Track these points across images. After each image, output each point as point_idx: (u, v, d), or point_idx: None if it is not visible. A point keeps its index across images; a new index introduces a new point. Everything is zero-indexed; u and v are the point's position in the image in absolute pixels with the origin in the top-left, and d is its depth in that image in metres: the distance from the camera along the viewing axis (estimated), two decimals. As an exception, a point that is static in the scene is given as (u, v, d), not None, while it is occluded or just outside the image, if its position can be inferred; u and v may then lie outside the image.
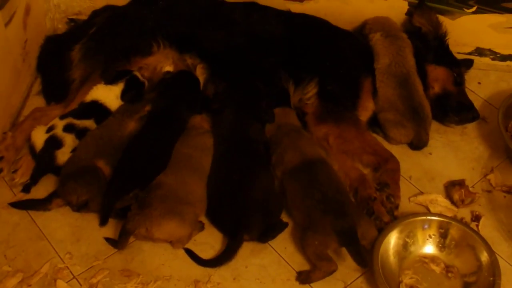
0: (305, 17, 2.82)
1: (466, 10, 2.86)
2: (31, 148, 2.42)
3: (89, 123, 2.46)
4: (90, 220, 2.31)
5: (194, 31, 2.68)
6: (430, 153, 2.67)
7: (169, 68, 2.62)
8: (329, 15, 2.85)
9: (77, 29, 2.83)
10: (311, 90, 2.62)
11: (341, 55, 2.71)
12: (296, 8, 2.89)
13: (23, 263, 2.20)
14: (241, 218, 2.23)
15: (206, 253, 2.25)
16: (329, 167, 2.37)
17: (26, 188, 2.36)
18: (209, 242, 2.29)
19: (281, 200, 2.33)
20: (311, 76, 2.63)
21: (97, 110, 2.49)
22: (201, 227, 2.31)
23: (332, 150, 2.50)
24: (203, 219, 2.34)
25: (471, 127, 2.78)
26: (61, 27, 3.03)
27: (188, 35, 2.67)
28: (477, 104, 2.84)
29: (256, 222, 2.25)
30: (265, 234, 2.27)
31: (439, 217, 2.31)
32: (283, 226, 2.30)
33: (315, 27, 2.78)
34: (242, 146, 2.39)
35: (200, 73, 2.61)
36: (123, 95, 2.54)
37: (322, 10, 2.87)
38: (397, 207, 2.40)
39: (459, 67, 2.81)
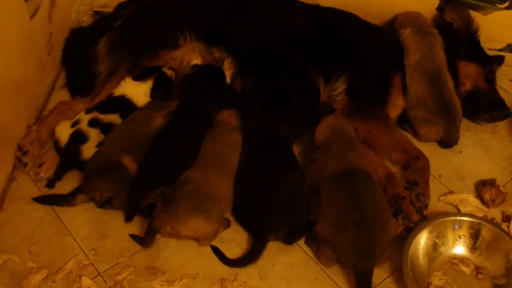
0: (334, 11, 2.77)
1: (498, 5, 2.80)
2: (56, 143, 2.40)
3: (114, 118, 2.43)
4: (115, 216, 2.29)
5: (221, 24, 2.64)
6: (460, 151, 2.62)
7: (196, 61, 2.59)
8: (359, 9, 2.80)
9: (103, 22, 2.80)
10: (340, 86, 2.58)
11: (371, 50, 2.67)
12: (324, 2, 2.82)
13: (47, 259, 2.18)
14: (266, 218, 2.20)
15: (232, 251, 2.23)
16: (374, 184, 2.25)
17: (51, 183, 2.33)
18: (235, 239, 2.26)
19: (309, 200, 2.27)
20: (340, 72, 2.59)
21: (123, 105, 2.46)
22: (227, 224, 2.29)
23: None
24: (229, 216, 2.31)
25: (502, 125, 2.73)
26: (86, 20, 3.00)
27: (215, 28, 2.64)
28: (508, 101, 2.78)
29: (281, 223, 2.22)
30: (291, 235, 2.23)
31: (469, 217, 2.27)
32: (310, 226, 2.24)
33: (344, 22, 2.74)
34: (271, 144, 2.36)
35: (228, 67, 2.57)
36: (153, 93, 2.51)
37: (351, 4, 2.83)
38: (426, 206, 2.36)
39: (491, 64, 2.76)
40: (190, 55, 2.59)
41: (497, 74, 2.87)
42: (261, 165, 2.30)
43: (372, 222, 2.10)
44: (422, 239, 2.21)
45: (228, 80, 2.57)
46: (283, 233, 2.23)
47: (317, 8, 2.79)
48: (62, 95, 2.73)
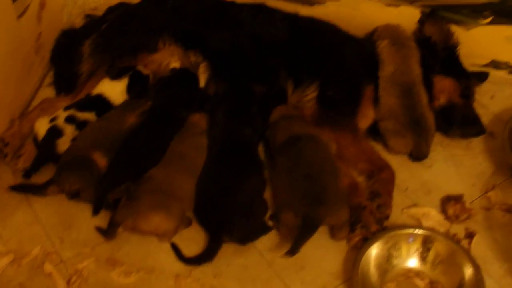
0: (311, 21, 2.82)
1: (481, 21, 2.79)
2: (35, 136, 2.52)
3: (90, 116, 2.53)
4: (84, 208, 2.38)
5: (200, 30, 2.73)
6: (431, 166, 2.62)
7: (175, 64, 2.68)
8: (339, 20, 2.83)
9: (91, 25, 2.92)
10: (311, 94, 2.62)
11: (344, 60, 2.70)
12: (306, 11, 2.88)
13: (16, 245, 2.29)
14: (223, 220, 2.25)
15: (190, 249, 2.29)
16: (319, 144, 2.39)
17: (27, 174, 2.44)
18: (195, 238, 2.32)
19: (267, 204, 2.35)
20: (312, 79, 2.63)
21: (100, 103, 2.57)
22: (188, 223, 2.35)
23: None
24: (191, 215, 2.37)
25: (476, 142, 2.71)
26: (79, 22, 3.11)
27: (193, 33, 2.72)
28: (486, 119, 2.77)
29: (238, 225, 2.26)
30: (246, 236, 2.28)
31: (425, 231, 2.26)
32: (266, 229, 2.31)
33: (321, 31, 2.78)
34: (234, 148, 2.42)
35: (203, 71, 2.65)
36: (129, 90, 2.62)
37: (332, 15, 2.86)
38: (387, 217, 2.37)
39: (468, 79, 2.74)
40: (169, 58, 2.68)
41: (479, 90, 2.85)
42: (223, 168, 2.36)
43: (319, 173, 2.26)
44: (376, 250, 2.22)
45: (202, 84, 2.65)
46: (239, 235, 2.28)
47: (295, 17, 2.83)
48: (48, 92, 2.84)
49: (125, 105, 2.58)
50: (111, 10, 2.93)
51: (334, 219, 2.25)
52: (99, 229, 2.31)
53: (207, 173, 2.38)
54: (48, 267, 2.23)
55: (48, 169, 2.48)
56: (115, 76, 2.62)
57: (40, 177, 2.47)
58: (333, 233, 2.32)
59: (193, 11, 2.78)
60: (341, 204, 2.28)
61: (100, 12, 3.04)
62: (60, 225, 2.37)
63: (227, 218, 2.26)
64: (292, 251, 2.16)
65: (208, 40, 2.71)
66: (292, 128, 2.46)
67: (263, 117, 2.54)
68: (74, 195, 2.37)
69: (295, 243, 2.17)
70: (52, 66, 2.92)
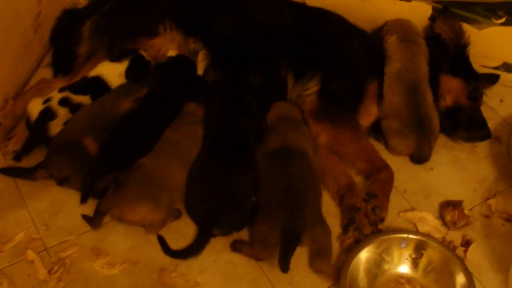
0: (319, 11, 2.73)
1: (494, 20, 2.67)
2: (27, 118, 2.47)
3: (84, 99, 2.49)
4: (72, 195, 2.33)
5: (202, 15, 2.65)
6: (432, 169, 2.53)
7: (172, 52, 2.61)
8: (349, 12, 2.73)
9: (94, 5, 2.85)
10: (312, 87, 2.54)
11: (350, 54, 2.61)
12: (314, 2, 2.79)
13: (0, 229, 2.26)
14: (214, 213, 2.20)
15: (178, 242, 2.24)
16: (309, 163, 2.31)
17: (17, 157, 2.40)
18: (183, 231, 2.27)
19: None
20: (314, 72, 2.55)
21: (96, 86, 2.52)
22: (178, 215, 2.30)
23: (324, 150, 2.44)
24: (182, 207, 2.32)
25: (482, 146, 2.61)
26: (83, 2, 3.03)
27: (196, 18, 2.65)
28: (494, 122, 2.68)
29: (229, 219, 2.22)
30: (235, 227, 2.24)
31: (419, 236, 2.18)
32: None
33: (328, 23, 2.69)
34: (229, 139, 2.35)
35: (202, 59, 2.58)
36: (128, 73, 2.57)
37: (341, 6, 2.76)
38: (382, 220, 2.30)
39: (477, 80, 2.64)
40: (168, 44, 2.61)
41: (489, 93, 2.76)
42: (215, 160, 2.30)
43: (300, 188, 2.20)
44: (366, 254, 2.14)
45: (200, 72, 2.59)
46: (229, 228, 2.24)
47: (303, 6, 2.76)
48: (47, 72, 2.79)
49: (120, 90, 2.53)
50: (115, -10, 2.88)
51: (311, 237, 2.14)
52: (85, 217, 2.27)
53: (199, 164, 2.31)
54: (30, 254, 2.20)
55: (39, 152, 2.43)
56: (116, 57, 2.56)
57: (31, 160, 2.42)
58: (311, 259, 2.19)
59: None
60: (321, 225, 2.18)
61: (104, -7, 3.00)
62: (47, 211, 2.33)
63: (217, 211, 2.21)
64: (283, 267, 2.07)
65: (210, 26, 2.63)
66: (288, 136, 2.37)
67: (260, 105, 2.46)
68: (63, 181, 2.33)
69: (282, 259, 2.08)
70: (51, 46, 2.87)
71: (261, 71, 2.55)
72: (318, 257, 2.15)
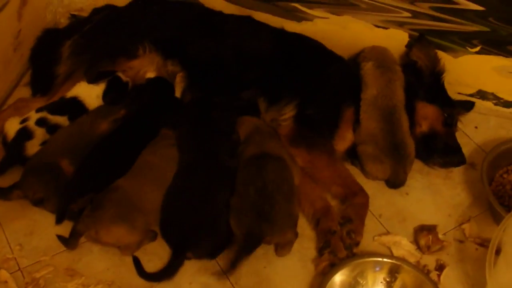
0: (297, 37, 2.76)
1: (469, 49, 2.72)
2: (4, 137, 2.46)
3: (62, 120, 2.48)
4: (48, 215, 2.32)
5: (181, 38, 2.67)
6: (407, 193, 2.55)
7: (151, 74, 2.62)
8: (327, 38, 2.77)
9: (75, 25, 2.86)
10: (289, 112, 2.56)
11: (327, 80, 2.63)
12: (293, 28, 2.82)
13: (-26, 249, 2.25)
14: (188, 236, 2.20)
15: (153, 264, 2.23)
16: (285, 168, 2.35)
17: (-7, 176, 2.40)
18: (159, 253, 2.26)
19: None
20: (291, 97, 2.57)
21: (74, 107, 2.51)
22: (153, 237, 2.29)
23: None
24: (157, 229, 2.31)
25: (457, 172, 2.64)
26: (63, 22, 3.06)
27: (174, 41, 2.67)
28: (469, 148, 2.72)
29: (203, 243, 2.22)
30: (210, 253, 2.23)
31: (393, 260, 2.21)
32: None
33: (305, 49, 2.71)
34: (203, 160, 2.36)
35: (179, 81, 2.60)
36: (105, 95, 2.56)
37: (320, 32, 2.80)
38: (357, 244, 2.31)
39: (452, 107, 2.68)
40: (147, 66, 2.62)
41: (464, 120, 2.80)
42: (190, 182, 2.30)
43: (274, 191, 2.24)
44: (341, 277, 2.16)
45: (178, 94, 2.60)
46: (203, 252, 2.23)
47: (281, 32, 2.78)
48: (25, 91, 2.79)
49: (98, 111, 2.52)
50: (97, 11, 2.88)
51: (277, 238, 2.22)
52: (60, 238, 2.24)
53: (174, 187, 2.31)
54: (4, 274, 2.17)
55: (16, 172, 2.39)
56: (93, 79, 2.56)
57: (7, 180, 2.39)
58: (276, 250, 2.28)
59: (176, 18, 2.72)
60: (288, 227, 2.23)
61: (86, 13, 2.98)
62: (21, 231, 2.32)
63: (192, 234, 2.20)
64: (232, 265, 2.14)
65: (189, 49, 2.65)
66: (266, 144, 2.41)
67: (227, 121, 2.49)
68: (38, 202, 2.32)
69: (234, 257, 2.14)
70: (30, 65, 2.87)
71: (234, 94, 2.57)
72: (282, 248, 2.27)
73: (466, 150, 2.67)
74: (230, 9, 2.90)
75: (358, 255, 2.28)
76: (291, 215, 2.26)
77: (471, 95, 2.87)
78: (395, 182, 2.54)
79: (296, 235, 2.28)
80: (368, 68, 2.66)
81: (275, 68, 2.63)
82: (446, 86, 2.75)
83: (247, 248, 2.16)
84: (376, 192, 2.53)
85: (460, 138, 2.71)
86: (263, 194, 2.23)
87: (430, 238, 2.35)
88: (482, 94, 2.86)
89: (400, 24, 2.77)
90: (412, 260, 2.30)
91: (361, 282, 2.19)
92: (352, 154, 2.60)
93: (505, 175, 2.55)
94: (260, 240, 2.17)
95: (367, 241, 2.37)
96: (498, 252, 2.07)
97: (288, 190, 2.29)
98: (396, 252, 2.33)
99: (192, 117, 2.48)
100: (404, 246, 2.35)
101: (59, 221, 2.25)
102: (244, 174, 2.33)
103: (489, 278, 2.02)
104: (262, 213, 2.19)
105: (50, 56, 2.70)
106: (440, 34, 2.74)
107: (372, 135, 2.55)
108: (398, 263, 2.20)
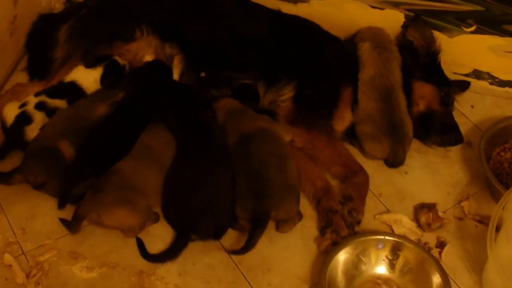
0: (293, 19, 2.77)
1: (464, 28, 2.74)
2: (3, 122, 2.45)
3: (60, 103, 2.47)
4: (50, 199, 2.32)
5: (179, 20, 2.67)
6: (406, 172, 2.57)
7: (149, 57, 2.61)
8: (323, 20, 2.78)
9: (70, 10, 2.84)
10: (287, 93, 2.57)
11: (324, 61, 2.65)
12: (289, 9, 2.83)
13: (-24, 234, 2.25)
14: (191, 218, 2.21)
15: (156, 245, 2.24)
16: (266, 140, 2.38)
17: (-7, 161, 2.39)
18: (162, 234, 2.27)
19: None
20: (289, 78, 2.58)
21: (72, 91, 2.50)
22: (156, 219, 2.30)
23: (300, 154, 2.47)
24: (159, 210, 2.32)
25: (454, 151, 2.67)
26: (58, 7, 3.03)
27: (172, 24, 2.66)
28: (465, 128, 2.74)
29: (205, 224, 2.22)
30: (215, 233, 2.24)
31: (395, 238, 2.23)
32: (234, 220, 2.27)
33: (302, 30, 2.72)
34: (200, 141, 2.37)
35: (177, 64, 2.59)
36: (102, 80, 2.55)
37: (316, 14, 2.81)
38: (358, 222, 2.34)
39: (449, 86, 2.71)
40: (145, 49, 2.62)
41: (460, 99, 2.83)
42: (189, 164, 2.30)
43: (261, 170, 2.28)
44: (344, 255, 2.19)
45: (176, 77, 2.60)
46: (206, 233, 2.24)
47: (278, 13, 2.78)
48: (23, 77, 2.77)
49: (96, 95, 2.52)
50: (92, -4, 2.87)
51: (282, 212, 2.25)
52: (63, 221, 2.25)
53: (174, 169, 2.32)
54: (8, 258, 2.17)
55: (16, 156, 2.40)
56: (90, 64, 2.55)
57: (7, 165, 2.39)
58: (278, 226, 2.30)
59: (175, 1, 2.71)
60: (289, 197, 2.27)
61: (80, -1, 2.99)
62: (24, 215, 2.31)
63: (193, 217, 2.22)
64: (246, 247, 2.17)
65: (186, 32, 2.64)
66: (240, 126, 2.44)
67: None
68: (39, 187, 2.31)
69: (248, 239, 2.17)
70: (27, 50, 2.85)
71: (234, 76, 2.59)
72: (285, 223, 2.30)
73: (463, 129, 2.69)
74: (227, -9, 2.91)
75: (360, 233, 2.30)
76: (287, 185, 2.27)
77: (466, 75, 2.90)
78: (394, 161, 2.56)
79: (300, 215, 2.31)
80: (365, 49, 2.67)
81: (273, 50, 2.64)
82: (442, 66, 2.76)
83: (258, 227, 2.18)
84: (375, 171, 2.55)
85: (456, 117, 2.74)
86: (253, 177, 2.27)
87: (431, 215, 2.38)
88: (477, 74, 2.88)
89: (396, 5, 2.79)
90: (413, 237, 2.33)
91: (364, 260, 2.21)
92: (351, 134, 2.62)
93: (502, 153, 2.58)
94: (268, 216, 2.20)
95: (368, 219, 2.39)
96: (497, 228, 2.10)
97: (276, 161, 2.32)
98: (397, 230, 2.36)
99: (177, 100, 2.49)
100: (405, 224, 2.37)
101: (61, 206, 2.26)
102: (235, 164, 2.35)
103: (490, 253, 2.04)
104: (259, 192, 2.22)
105: (46, 41, 2.68)
106: (435, 14, 2.76)
107: (370, 115, 2.57)
108: (400, 240, 2.23)
